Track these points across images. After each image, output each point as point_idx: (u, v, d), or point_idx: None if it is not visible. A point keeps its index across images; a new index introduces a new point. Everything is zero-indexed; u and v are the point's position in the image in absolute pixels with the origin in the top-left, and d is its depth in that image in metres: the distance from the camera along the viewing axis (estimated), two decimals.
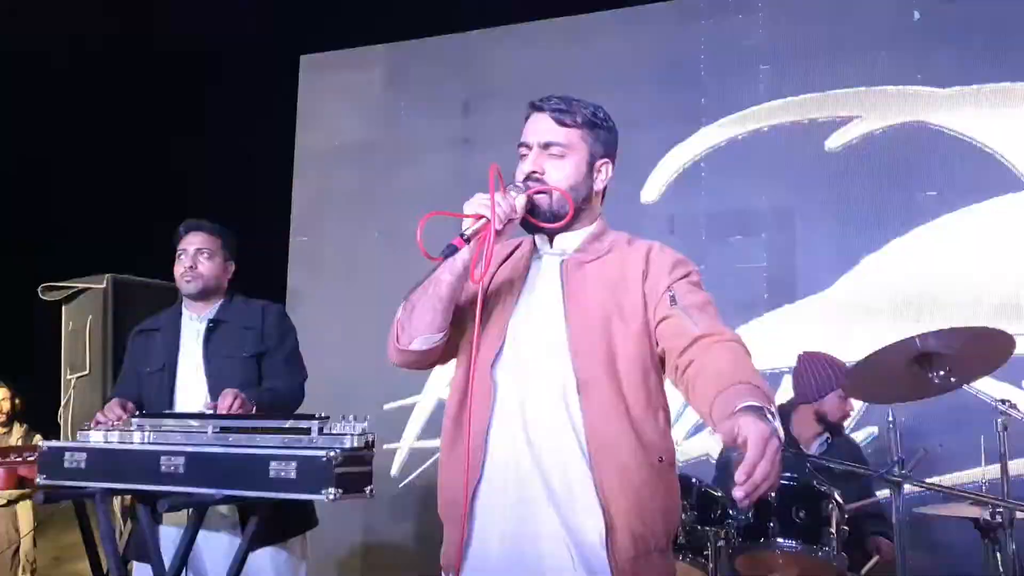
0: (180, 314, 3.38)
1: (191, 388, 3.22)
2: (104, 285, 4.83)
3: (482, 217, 1.97)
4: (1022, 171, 4.72)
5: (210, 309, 3.35)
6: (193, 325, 3.34)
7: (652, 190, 5.36)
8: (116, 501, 3.34)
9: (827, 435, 3.84)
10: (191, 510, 2.87)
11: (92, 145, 6.38)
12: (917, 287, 4.81)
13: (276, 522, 2.99)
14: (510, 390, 2.02)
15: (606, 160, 2.14)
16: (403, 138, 6.08)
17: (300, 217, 6.27)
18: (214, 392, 3.15)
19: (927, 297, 4.77)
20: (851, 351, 3.99)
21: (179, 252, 3.35)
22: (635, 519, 1.93)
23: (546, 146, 2.10)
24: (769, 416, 1.66)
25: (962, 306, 4.67)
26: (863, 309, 4.87)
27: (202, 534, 2.99)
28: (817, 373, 3.88)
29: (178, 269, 3.34)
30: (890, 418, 2.89)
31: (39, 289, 4.92)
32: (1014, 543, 3.13)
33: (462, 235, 1.96)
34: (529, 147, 2.12)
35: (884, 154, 4.99)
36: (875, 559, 3.55)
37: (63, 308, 4.97)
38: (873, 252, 4.92)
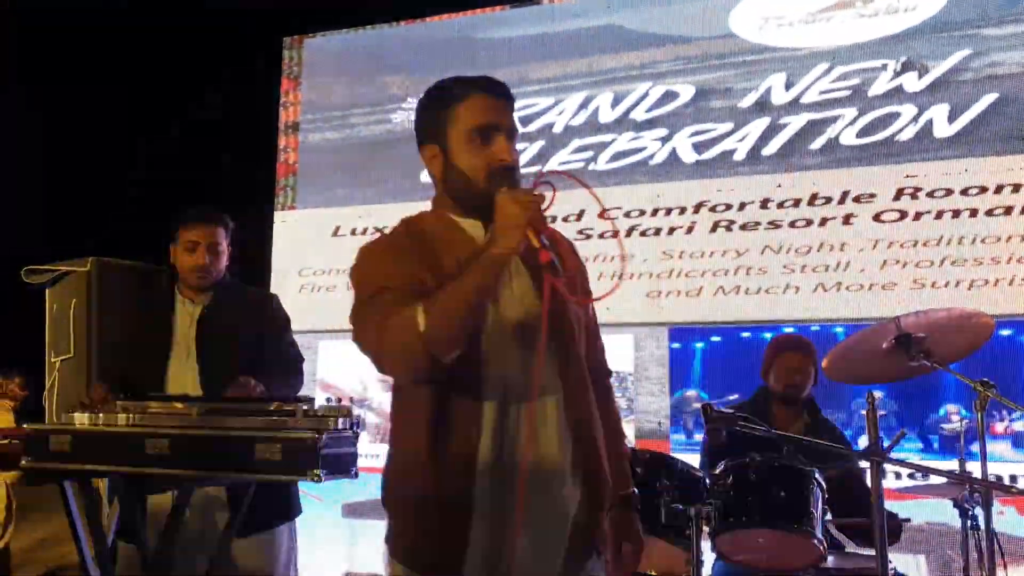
0: (173, 297, 3.35)
1: (182, 373, 3.21)
2: (87, 268, 4.82)
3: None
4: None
5: (205, 295, 3.31)
6: (187, 310, 3.29)
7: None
8: (103, 482, 3.34)
9: (807, 415, 3.86)
10: (176, 492, 2.89)
11: (72, 128, 6.34)
12: (896, 269, 4.86)
13: (262, 510, 3.01)
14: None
15: None
16: (386, 119, 6.09)
17: (283, 198, 6.27)
18: (206, 378, 3.15)
19: (907, 278, 4.82)
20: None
21: (189, 242, 3.25)
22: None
23: (512, 135, 2.01)
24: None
25: (942, 288, 4.72)
26: (843, 288, 4.92)
27: (190, 515, 3.01)
28: (768, 345, 3.96)
29: (187, 261, 3.25)
30: (869, 399, 2.91)
31: (22, 272, 4.90)
32: (992, 522, 3.17)
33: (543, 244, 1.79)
34: (499, 130, 1.99)
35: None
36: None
37: (47, 291, 4.95)
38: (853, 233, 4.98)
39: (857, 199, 5.02)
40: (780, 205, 5.17)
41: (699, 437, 4.42)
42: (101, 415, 2.60)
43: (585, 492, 1.99)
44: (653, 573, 3.33)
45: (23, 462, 2.57)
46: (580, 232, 5.26)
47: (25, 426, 2.67)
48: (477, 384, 1.92)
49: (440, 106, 2.02)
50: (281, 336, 3.38)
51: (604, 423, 2.11)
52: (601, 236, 5.23)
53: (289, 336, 3.42)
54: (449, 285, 1.84)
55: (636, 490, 2.19)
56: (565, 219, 5.29)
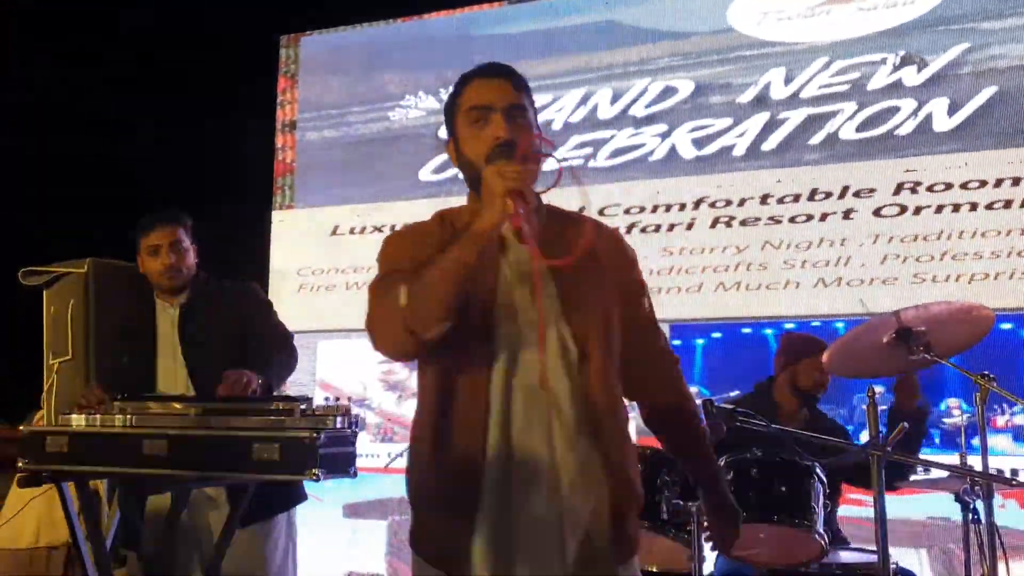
0: (153, 303, 3.35)
1: (170, 375, 3.22)
2: (85, 269, 4.80)
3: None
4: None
5: (181, 295, 3.32)
6: (167, 314, 3.31)
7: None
8: (102, 484, 3.33)
9: (806, 410, 3.85)
10: (174, 493, 2.88)
11: (70, 127, 6.34)
12: (896, 263, 4.85)
13: (261, 500, 3.00)
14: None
15: None
16: (384, 116, 6.09)
17: (280, 198, 6.26)
18: (195, 377, 3.15)
19: (907, 273, 4.81)
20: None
21: (151, 247, 3.28)
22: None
23: (510, 113, 1.94)
24: None
25: (942, 282, 4.71)
26: (843, 283, 4.91)
27: (189, 517, 3.00)
28: (796, 340, 3.95)
29: (154, 265, 3.27)
30: (870, 393, 2.90)
31: (20, 274, 4.89)
32: (993, 515, 3.16)
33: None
34: (494, 110, 1.93)
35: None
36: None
37: (44, 293, 4.93)
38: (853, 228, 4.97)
39: (857, 194, 5.01)
40: (780, 200, 5.15)
41: None
42: (98, 416, 2.59)
43: (609, 490, 1.89)
44: (654, 568, 3.32)
45: (19, 463, 2.57)
46: None
47: (21, 427, 2.67)
48: (482, 362, 1.88)
49: (451, 99, 2.04)
50: (265, 319, 3.38)
51: (682, 409, 2.15)
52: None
53: (274, 317, 3.43)
54: (431, 261, 1.81)
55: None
56: None
